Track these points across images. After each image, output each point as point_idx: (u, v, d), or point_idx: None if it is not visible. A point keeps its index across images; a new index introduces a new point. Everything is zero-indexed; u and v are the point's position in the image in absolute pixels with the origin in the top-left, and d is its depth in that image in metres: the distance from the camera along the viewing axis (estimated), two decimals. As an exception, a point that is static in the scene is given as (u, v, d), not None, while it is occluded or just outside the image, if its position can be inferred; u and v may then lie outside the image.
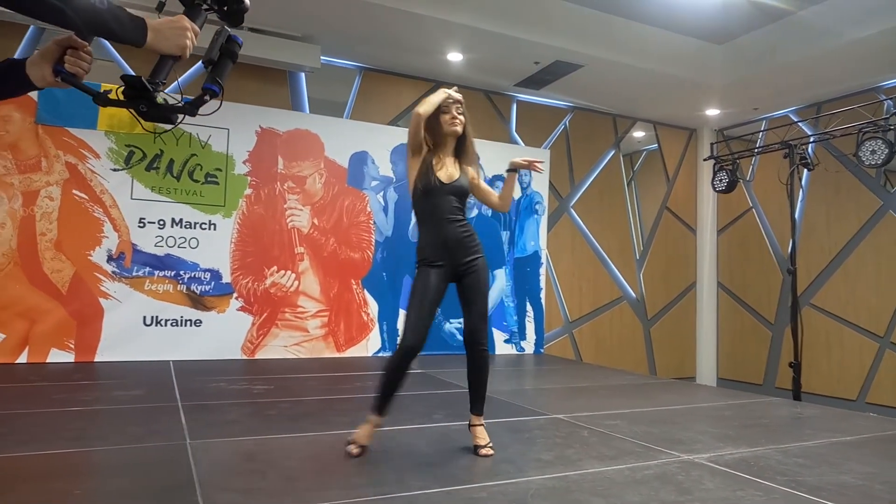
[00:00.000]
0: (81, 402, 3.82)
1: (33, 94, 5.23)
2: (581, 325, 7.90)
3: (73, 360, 5.23)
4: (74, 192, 5.35)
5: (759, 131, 8.06)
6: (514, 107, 7.70)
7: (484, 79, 7.13)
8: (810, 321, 7.16)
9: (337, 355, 6.18)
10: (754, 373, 8.11)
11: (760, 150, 7.53)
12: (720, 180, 7.45)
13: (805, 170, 6.72)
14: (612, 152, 8.30)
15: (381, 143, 6.57)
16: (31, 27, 5.48)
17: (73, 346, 5.26)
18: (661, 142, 8.69)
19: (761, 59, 6.53)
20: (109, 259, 5.42)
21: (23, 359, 5.10)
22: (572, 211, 7.95)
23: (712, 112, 8.08)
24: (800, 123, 7.47)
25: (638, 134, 8.66)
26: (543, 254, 7.39)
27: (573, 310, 7.85)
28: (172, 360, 5.37)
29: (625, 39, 6.35)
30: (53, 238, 5.27)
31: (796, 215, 6.52)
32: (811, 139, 6.87)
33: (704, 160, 8.33)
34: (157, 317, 5.53)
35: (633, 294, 8.30)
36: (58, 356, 5.21)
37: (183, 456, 2.68)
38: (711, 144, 8.14)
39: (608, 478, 2.54)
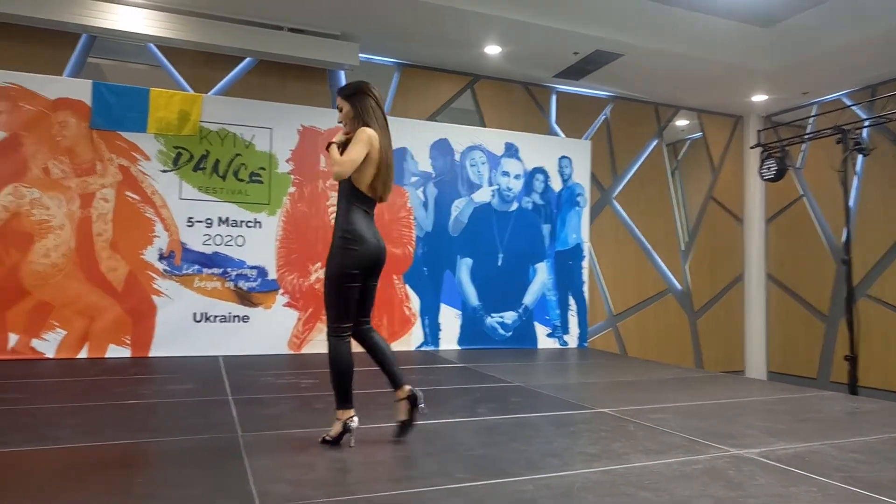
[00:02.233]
0: (139, 395, 3.97)
1: (87, 101, 5.44)
2: (625, 319, 7.79)
3: (129, 356, 5.45)
4: (127, 193, 5.55)
5: (810, 116, 7.78)
6: (554, 98, 7.62)
7: (523, 70, 7.08)
8: (867, 313, 6.89)
9: (380, 350, 6.25)
10: (807, 366, 7.86)
11: (811, 135, 7.27)
12: (768, 168, 7.22)
13: (860, 155, 6.45)
14: (655, 142, 8.14)
15: (421, 138, 6.60)
16: (84, 35, 5.69)
17: (129, 342, 5.47)
18: (705, 130, 8.48)
19: (811, 42, 6.30)
20: (161, 258, 5.60)
21: (83, 354, 5.33)
22: (615, 202, 7.84)
23: (759, 98, 7.84)
24: (853, 107, 7.18)
25: (681, 122, 8.47)
26: (586, 246, 7.31)
27: (617, 303, 7.75)
28: (222, 356, 5.53)
29: (666, 26, 6.22)
30: (109, 238, 5.48)
31: (850, 203, 6.28)
32: (865, 123, 6.60)
33: (751, 148, 8.09)
34: (206, 313, 5.70)
35: (679, 286, 8.14)
36: (115, 351, 5.42)
37: (235, 448, 2.77)
38: (759, 131, 7.89)
39: (656, 472, 2.51)
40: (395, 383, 2.94)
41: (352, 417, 2.82)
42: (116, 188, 5.53)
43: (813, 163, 7.82)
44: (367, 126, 2.87)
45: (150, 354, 5.49)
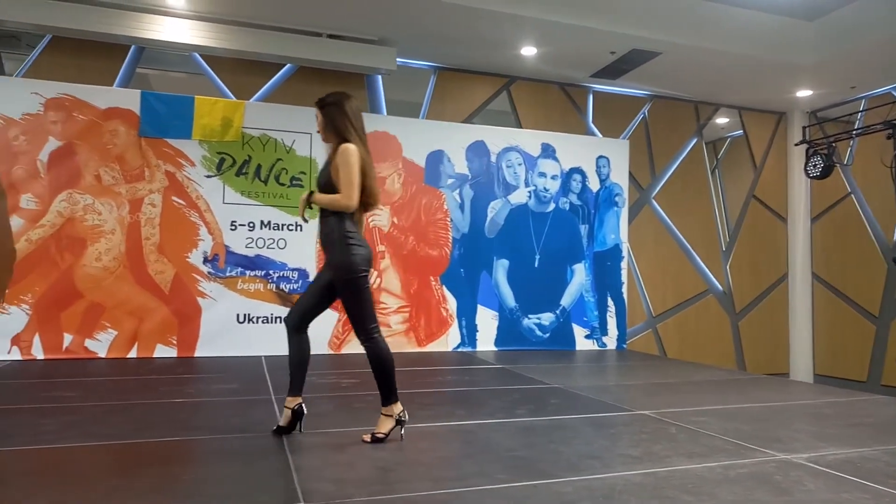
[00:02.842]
0: (186, 394, 4.10)
1: (136, 109, 5.63)
2: (665, 320, 7.68)
3: (175, 355, 5.62)
4: (173, 198, 5.73)
5: (858, 111, 7.54)
6: (591, 98, 7.56)
7: (559, 71, 7.05)
8: (920, 314, 6.64)
9: (418, 350, 6.31)
10: (856, 369, 7.61)
11: (860, 131, 7.05)
12: (814, 165, 7.04)
13: (911, 151, 6.23)
14: (695, 140, 8.00)
15: (457, 141, 6.64)
16: (133, 47, 5.90)
17: (175, 343, 5.65)
18: (746, 127, 8.30)
19: (858, 34, 6.11)
20: (205, 260, 5.77)
21: (133, 354, 5.52)
22: (654, 202, 7.73)
23: (804, 93, 7.63)
24: (904, 101, 6.93)
25: (721, 120, 8.30)
26: (624, 247, 7.23)
27: (656, 304, 7.65)
28: (264, 356, 5.66)
29: (705, 22, 6.11)
30: (156, 242, 5.67)
31: (902, 200, 6.06)
32: (918, 117, 6.36)
33: (796, 145, 7.89)
34: (249, 314, 5.83)
35: (720, 287, 7.98)
36: (162, 351, 5.60)
37: (279, 446, 2.84)
38: (803, 128, 7.69)
39: (699, 475, 2.48)
40: (294, 390, 3.00)
41: (403, 411, 2.92)
42: (163, 193, 5.71)
43: (861, 159, 7.58)
44: (347, 141, 2.90)
45: (196, 354, 5.65)
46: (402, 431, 2.93)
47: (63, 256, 5.43)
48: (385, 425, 2.90)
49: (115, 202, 5.58)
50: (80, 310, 5.43)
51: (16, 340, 5.25)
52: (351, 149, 2.86)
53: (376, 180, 3.01)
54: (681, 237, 7.81)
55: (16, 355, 5.23)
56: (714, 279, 7.95)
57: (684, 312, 7.77)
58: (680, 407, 3.83)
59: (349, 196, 2.83)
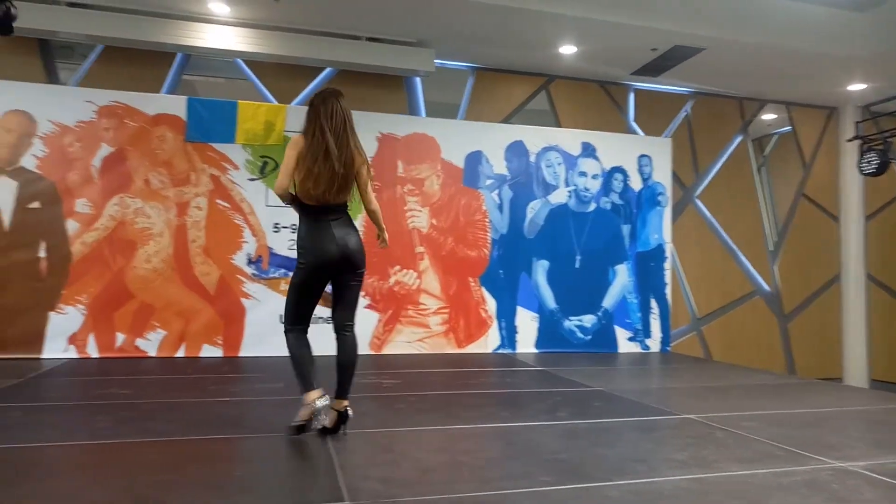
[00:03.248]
0: (231, 393, 4.19)
1: (182, 115, 5.79)
2: (710, 322, 7.50)
3: (221, 355, 5.75)
4: (218, 201, 5.87)
5: (915, 105, 7.23)
6: (632, 96, 7.44)
7: (599, 69, 6.96)
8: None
9: (458, 351, 6.31)
10: (915, 374, 7.30)
11: (917, 125, 6.75)
12: (868, 162, 6.78)
13: (973, 145, 5.94)
14: (740, 138, 7.80)
15: (495, 141, 6.62)
16: (179, 54, 6.07)
17: (221, 343, 5.78)
18: (794, 124, 8.04)
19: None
20: (249, 262, 5.88)
21: (181, 353, 5.67)
22: (697, 201, 7.56)
23: (856, 87, 7.35)
24: (965, 93, 6.61)
25: (768, 117, 8.07)
26: (668, 247, 7.09)
27: (701, 305, 7.47)
28: (307, 356, 5.73)
29: (749, 16, 5.93)
30: (202, 244, 5.81)
31: (963, 197, 5.78)
32: (980, 110, 6.07)
33: (848, 141, 7.60)
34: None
35: (767, 287, 7.75)
36: (209, 351, 5.74)
37: (323, 446, 2.87)
38: (857, 123, 7.41)
39: (749, 482, 2.42)
40: (339, 393, 3.04)
41: (319, 398, 2.95)
42: (208, 197, 5.85)
43: (919, 155, 7.26)
44: (302, 136, 2.99)
45: (241, 354, 5.77)
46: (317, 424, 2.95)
47: (115, 258, 5.62)
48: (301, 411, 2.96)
49: (163, 205, 5.75)
50: (131, 310, 5.60)
51: (72, 339, 5.45)
52: (293, 139, 3.01)
53: (327, 172, 2.90)
54: (726, 237, 7.62)
55: (72, 353, 5.43)
56: (761, 280, 7.72)
57: (730, 314, 7.57)
58: (727, 411, 3.73)
59: (276, 185, 3.00)
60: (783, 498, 2.24)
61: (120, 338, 5.56)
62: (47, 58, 5.85)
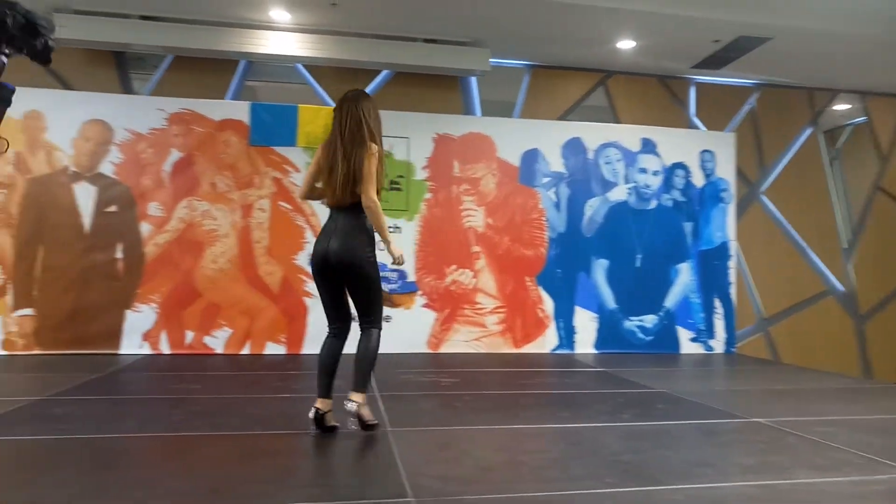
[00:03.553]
0: (294, 389, 4.31)
1: (246, 120, 6.00)
2: (778, 323, 7.21)
3: (284, 352, 5.92)
4: (280, 203, 6.05)
5: None
6: (693, 90, 7.23)
7: (658, 63, 6.80)
8: None
9: (514, 351, 6.29)
10: None
11: None
12: (952, 153, 6.36)
13: None
14: (810, 130, 7.46)
15: (552, 139, 6.56)
16: (242, 61, 6.28)
17: (284, 340, 5.96)
18: (870, 114, 7.63)
19: None
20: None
21: (246, 350, 5.88)
22: (763, 197, 7.28)
23: (939, 74, 6.92)
24: None
25: (840, 107, 7.68)
26: (732, 245, 6.86)
27: (768, 305, 7.19)
28: (366, 354, 5.83)
29: (820, 2, 5.66)
30: (266, 245, 6.00)
31: None
32: None
33: (930, 130, 7.16)
34: (352, 313, 6.04)
35: (841, 287, 7.38)
36: (272, 348, 5.92)
37: (385, 442, 2.92)
38: (939, 112, 6.97)
39: (824, 490, 2.32)
40: (352, 385, 3.03)
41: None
42: (271, 199, 6.03)
43: None
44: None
45: (303, 352, 5.93)
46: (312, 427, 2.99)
47: (184, 259, 5.87)
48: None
49: (229, 208, 5.96)
50: (199, 309, 5.84)
51: (146, 336, 5.73)
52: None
53: (337, 175, 2.96)
54: (794, 234, 7.31)
55: (146, 350, 5.71)
56: (834, 279, 7.37)
57: (800, 315, 7.25)
58: (799, 415, 3.59)
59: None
60: (862, 507, 2.14)
61: (189, 335, 5.80)
62: (122, 69, 6.16)
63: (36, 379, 4.53)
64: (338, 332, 3.14)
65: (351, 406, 2.94)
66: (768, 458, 2.72)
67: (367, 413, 2.99)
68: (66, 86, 5.99)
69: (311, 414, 3.00)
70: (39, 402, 3.65)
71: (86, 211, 5.74)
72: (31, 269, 5.62)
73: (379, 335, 3.09)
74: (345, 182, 2.93)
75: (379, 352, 3.09)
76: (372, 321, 3.09)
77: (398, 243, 6.10)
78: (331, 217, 3.08)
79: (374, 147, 2.97)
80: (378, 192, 3.00)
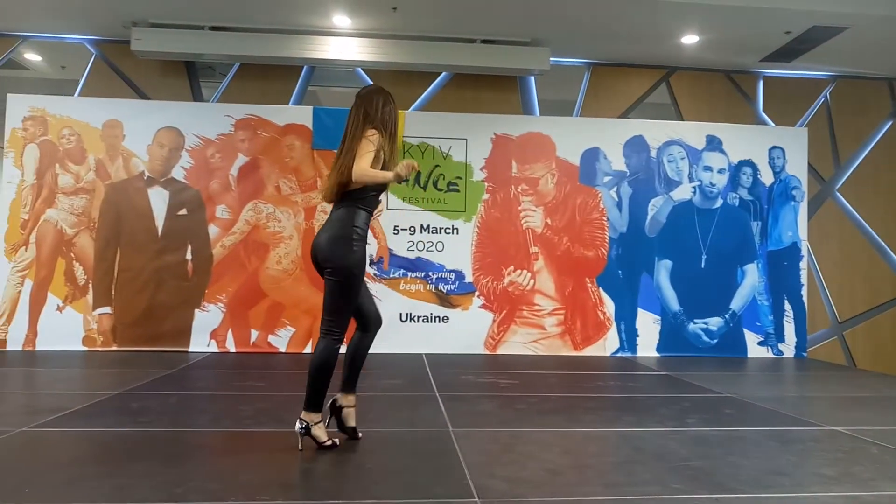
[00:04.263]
0: (357, 388, 4.37)
1: (308, 124, 6.15)
2: (854, 327, 6.85)
3: (344, 352, 6.01)
4: (341, 205, 6.16)
5: None
6: (761, 84, 6.97)
7: (723, 58, 6.58)
8: None
9: (574, 353, 6.20)
10: None
11: None
12: None
13: None
14: (890, 123, 7.06)
15: (613, 137, 6.44)
16: (305, 67, 6.44)
17: (345, 340, 6.04)
18: (957, 105, 7.16)
19: None
20: (371, 263, 6.13)
21: (308, 349, 6.01)
22: (838, 195, 6.94)
23: None
24: None
25: (924, 98, 7.25)
26: (804, 245, 6.56)
27: (843, 309, 6.85)
28: (425, 353, 5.89)
29: (904, -12, 5.37)
30: (327, 246, 6.12)
31: None
32: None
33: None
34: (410, 314, 6.11)
35: (925, 289, 6.95)
36: (333, 348, 6.04)
37: (448, 441, 2.94)
38: None
39: (914, 504, 2.19)
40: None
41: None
42: (333, 201, 6.15)
43: None
44: None
45: (363, 351, 6.01)
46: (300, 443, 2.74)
47: (249, 260, 6.06)
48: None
49: (293, 210, 6.12)
50: (263, 308, 6.02)
51: (213, 335, 5.95)
52: None
53: (332, 173, 2.87)
54: (873, 233, 6.93)
55: (213, 348, 5.93)
56: (916, 281, 6.95)
57: (878, 318, 6.88)
58: (881, 425, 3.40)
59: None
60: (957, 524, 2.01)
61: (254, 334, 5.99)
62: (193, 78, 6.44)
63: (113, 374, 4.77)
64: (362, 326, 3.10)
65: (298, 426, 2.73)
66: (850, 469, 2.59)
67: (320, 433, 2.76)
68: (143, 95, 6.30)
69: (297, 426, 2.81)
70: (117, 396, 3.85)
71: (159, 214, 6.01)
72: (110, 269, 5.93)
73: (328, 347, 2.85)
74: (337, 177, 2.83)
75: (325, 367, 2.85)
76: (326, 330, 2.87)
77: (455, 245, 6.18)
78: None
79: (371, 131, 2.83)
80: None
